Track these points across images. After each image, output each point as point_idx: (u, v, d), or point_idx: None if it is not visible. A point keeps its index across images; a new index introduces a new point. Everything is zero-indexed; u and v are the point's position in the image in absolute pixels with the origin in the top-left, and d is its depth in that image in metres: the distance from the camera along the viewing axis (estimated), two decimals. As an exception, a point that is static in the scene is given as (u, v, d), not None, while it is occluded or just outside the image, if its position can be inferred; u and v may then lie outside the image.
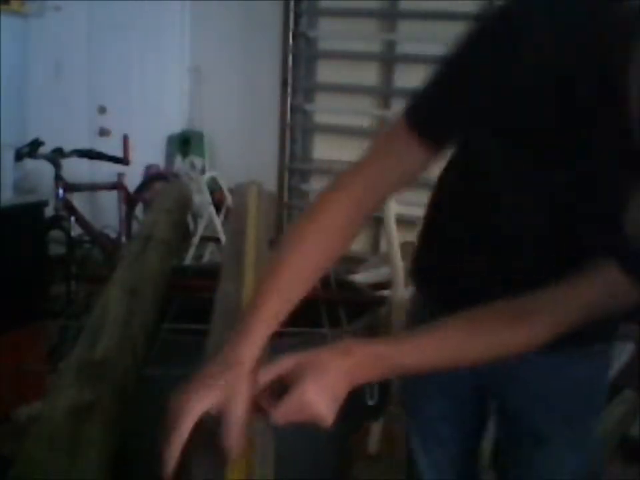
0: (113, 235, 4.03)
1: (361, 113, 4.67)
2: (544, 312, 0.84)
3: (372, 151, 0.91)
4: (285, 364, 0.79)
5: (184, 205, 2.14)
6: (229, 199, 3.90)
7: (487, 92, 0.83)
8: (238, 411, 0.75)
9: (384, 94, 4.59)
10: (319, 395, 0.75)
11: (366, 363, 0.81)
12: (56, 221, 3.40)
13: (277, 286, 0.85)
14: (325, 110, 4.77)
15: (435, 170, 1.02)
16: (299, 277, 0.86)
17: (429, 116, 0.88)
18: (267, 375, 0.79)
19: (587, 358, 1.03)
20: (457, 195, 1.05)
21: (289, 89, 4.66)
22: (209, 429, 0.75)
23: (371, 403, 1.35)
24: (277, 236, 4.56)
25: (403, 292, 2.33)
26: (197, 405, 0.74)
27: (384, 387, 1.45)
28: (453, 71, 0.86)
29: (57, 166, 3.45)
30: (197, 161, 4.62)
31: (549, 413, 1.06)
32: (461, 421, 1.19)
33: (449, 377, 1.03)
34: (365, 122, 4.67)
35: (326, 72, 4.69)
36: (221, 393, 0.75)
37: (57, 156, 3.46)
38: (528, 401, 1.07)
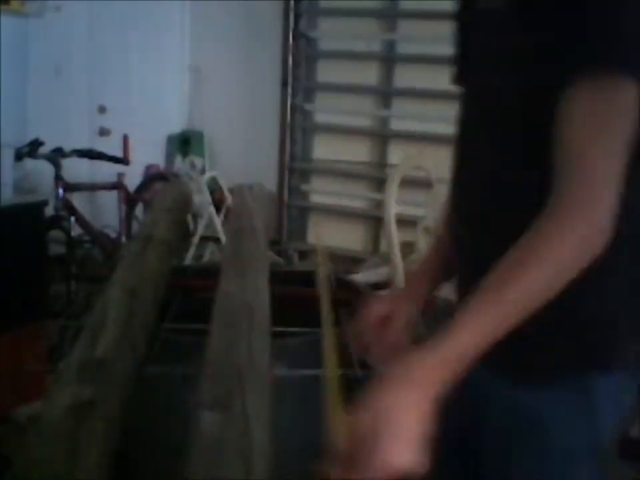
0: (113, 235, 4.03)
1: (360, 112, 4.67)
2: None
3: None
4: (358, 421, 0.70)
5: (184, 205, 2.14)
6: (229, 199, 3.89)
7: None
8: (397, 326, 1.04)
9: (384, 94, 4.59)
10: (398, 453, 0.68)
11: (431, 383, 0.71)
12: (56, 221, 3.39)
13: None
14: (325, 110, 4.77)
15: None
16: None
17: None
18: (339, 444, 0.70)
19: (560, 400, 0.88)
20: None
21: (289, 89, 4.66)
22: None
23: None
24: (277, 236, 4.58)
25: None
26: (375, 307, 1.06)
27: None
28: None
29: (57, 166, 3.45)
30: (197, 161, 4.62)
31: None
32: None
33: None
34: (365, 122, 4.68)
35: (326, 72, 4.69)
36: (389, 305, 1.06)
37: (56, 156, 3.46)
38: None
